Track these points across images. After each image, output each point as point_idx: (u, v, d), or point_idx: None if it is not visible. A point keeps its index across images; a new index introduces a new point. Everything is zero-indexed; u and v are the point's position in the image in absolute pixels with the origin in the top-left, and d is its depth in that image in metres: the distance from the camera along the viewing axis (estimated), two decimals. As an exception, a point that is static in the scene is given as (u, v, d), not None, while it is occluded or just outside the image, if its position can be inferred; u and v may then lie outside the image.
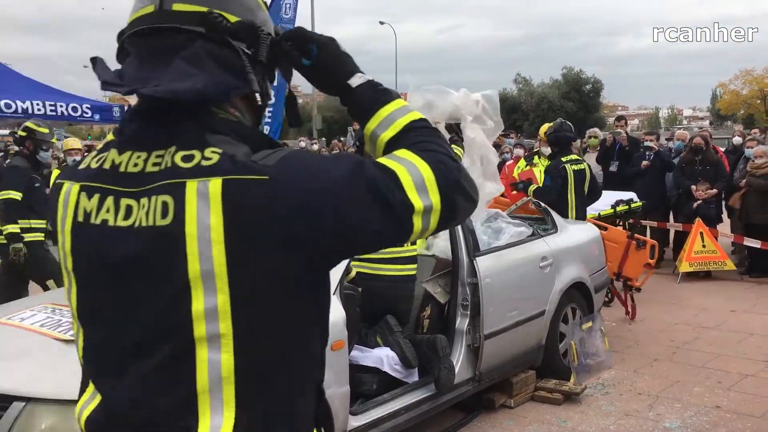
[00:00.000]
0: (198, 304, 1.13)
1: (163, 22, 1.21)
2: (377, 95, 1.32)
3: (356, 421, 3.61)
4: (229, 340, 1.14)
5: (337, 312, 3.40)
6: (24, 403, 2.76)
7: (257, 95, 1.31)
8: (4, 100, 10.22)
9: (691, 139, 9.72)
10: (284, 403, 1.23)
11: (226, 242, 1.11)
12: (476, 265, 4.41)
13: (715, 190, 8.91)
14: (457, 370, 4.20)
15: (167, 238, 1.13)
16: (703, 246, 8.53)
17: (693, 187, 8.95)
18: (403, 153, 1.20)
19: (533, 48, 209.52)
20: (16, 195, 5.86)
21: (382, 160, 1.19)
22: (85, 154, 9.78)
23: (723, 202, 9.39)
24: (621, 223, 8.03)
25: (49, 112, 10.75)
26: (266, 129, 12.55)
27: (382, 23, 54.05)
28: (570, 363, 5.19)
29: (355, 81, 1.32)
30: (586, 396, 4.90)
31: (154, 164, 1.18)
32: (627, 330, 6.55)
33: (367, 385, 3.90)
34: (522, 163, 8.65)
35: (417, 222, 1.16)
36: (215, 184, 1.11)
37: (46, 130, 6.28)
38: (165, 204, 1.14)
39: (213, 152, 1.15)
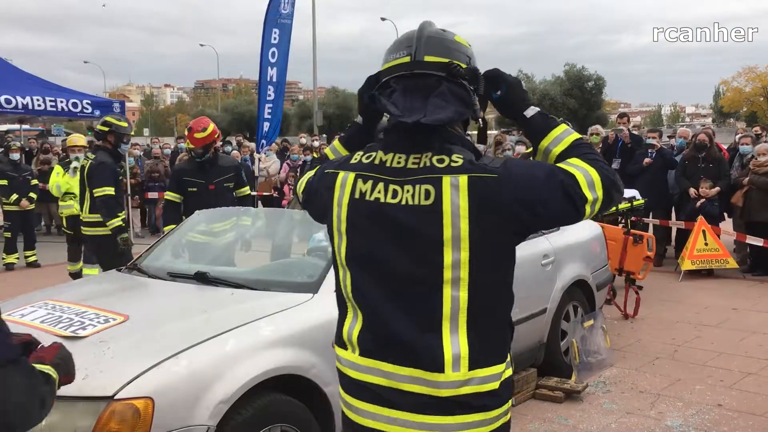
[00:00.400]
0: (448, 257, 1.72)
1: (417, 69, 1.80)
2: (548, 122, 1.89)
3: (357, 419, 3.59)
4: (466, 283, 1.73)
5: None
6: (24, 400, 2.74)
7: (473, 117, 1.88)
8: (4, 96, 10.19)
9: (693, 137, 9.68)
10: (499, 331, 1.84)
11: (469, 217, 1.71)
12: (478, 262, 4.40)
13: (717, 189, 8.88)
14: (458, 368, 4.19)
15: (429, 214, 1.73)
16: (706, 244, 8.51)
17: (692, 190, 8.93)
18: (576, 161, 1.78)
19: (533, 46, 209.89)
20: (111, 190, 6.13)
21: (563, 166, 1.77)
22: (88, 152, 9.79)
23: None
24: (623, 221, 8.02)
25: (49, 108, 10.72)
26: (266, 125, 12.50)
27: (383, 19, 53.81)
28: (571, 361, 5.17)
29: (530, 112, 1.88)
30: (588, 394, 4.89)
31: (413, 163, 1.79)
32: (628, 328, 6.54)
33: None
34: None
35: (588, 209, 1.75)
36: (463, 179, 1.72)
37: (125, 124, 6.43)
38: (427, 191, 1.74)
39: (457, 157, 1.76)
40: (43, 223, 13.76)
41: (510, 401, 1.87)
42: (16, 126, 15.80)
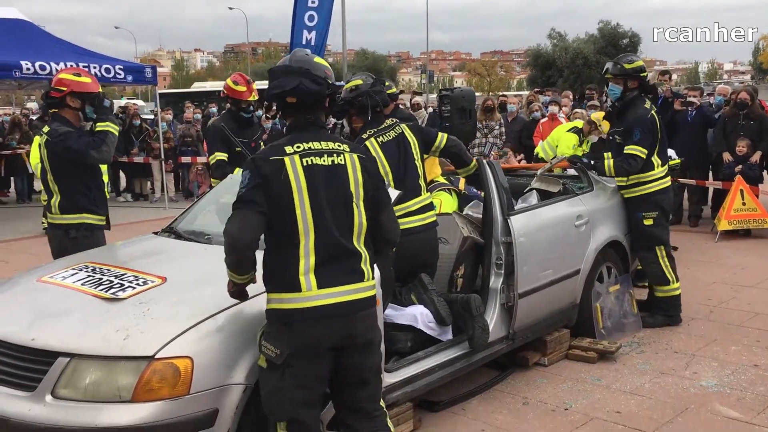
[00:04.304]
0: None
1: None
2: None
3: (391, 378, 3.65)
4: None
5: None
6: (68, 359, 2.83)
7: None
8: (38, 62, 10.32)
9: (733, 94, 9.42)
10: None
11: None
12: (510, 224, 4.38)
13: (759, 153, 8.65)
14: (491, 329, 4.20)
15: None
16: (743, 204, 8.35)
17: (725, 155, 8.74)
18: None
19: (565, 3, 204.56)
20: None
21: None
22: (121, 114, 9.60)
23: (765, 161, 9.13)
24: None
25: (83, 74, 10.81)
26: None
27: (413, -21, 52.90)
28: (595, 326, 5.13)
29: None
30: (621, 354, 4.88)
31: None
32: (663, 289, 6.47)
33: (402, 343, 3.92)
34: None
35: None
36: None
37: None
38: None
39: None
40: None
41: None
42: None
